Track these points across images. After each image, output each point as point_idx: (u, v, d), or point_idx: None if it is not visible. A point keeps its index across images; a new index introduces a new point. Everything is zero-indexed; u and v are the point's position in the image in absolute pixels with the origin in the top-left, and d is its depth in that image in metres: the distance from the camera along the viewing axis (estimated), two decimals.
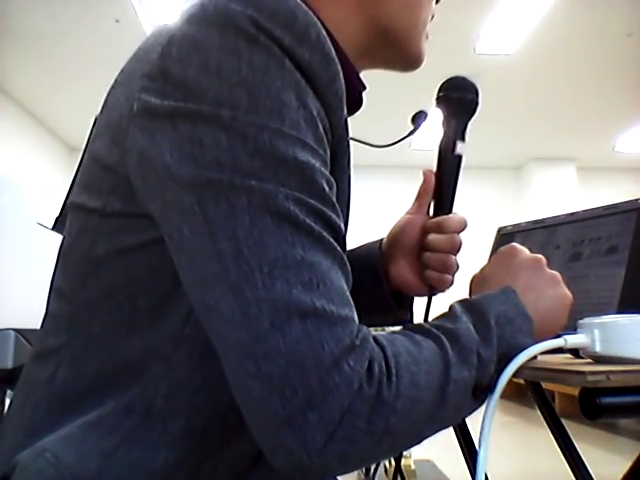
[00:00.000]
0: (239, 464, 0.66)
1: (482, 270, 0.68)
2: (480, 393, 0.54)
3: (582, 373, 0.51)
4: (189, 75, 0.50)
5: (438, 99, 0.78)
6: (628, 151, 7.99)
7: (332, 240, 0.51)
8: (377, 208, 8.42)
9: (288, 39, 0.51)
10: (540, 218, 1.06)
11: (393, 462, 2.48)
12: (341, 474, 0.53)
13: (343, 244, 0.53)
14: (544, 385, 1.23)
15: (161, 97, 0.51)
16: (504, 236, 1.12)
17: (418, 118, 0.80)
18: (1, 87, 6.62)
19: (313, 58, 0.52)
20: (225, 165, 0.48)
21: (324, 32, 0.54)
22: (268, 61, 0.50)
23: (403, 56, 0.74)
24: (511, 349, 0.55)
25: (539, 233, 1.04)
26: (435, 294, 0.76)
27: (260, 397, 0.47)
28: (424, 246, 0.76)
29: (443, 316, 0.56)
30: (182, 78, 0.51)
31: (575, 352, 0.63)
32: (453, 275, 0.75)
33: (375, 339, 0.50)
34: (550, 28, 4.76)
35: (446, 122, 0.78)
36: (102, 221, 0.57)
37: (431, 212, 0.77)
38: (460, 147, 0.76)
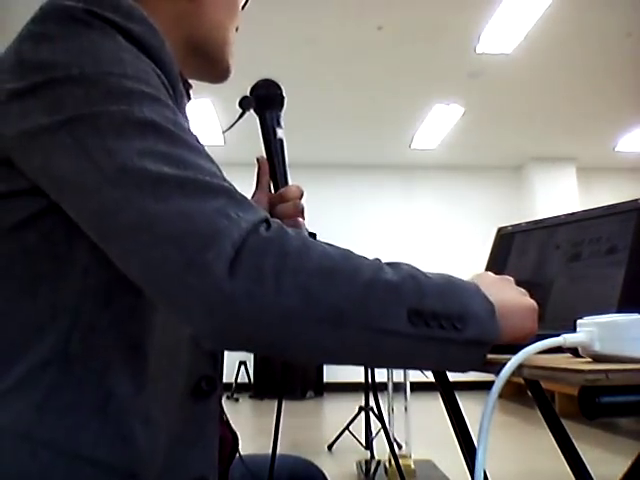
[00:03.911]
0: (169, 397, 0.68)
1: None
2: (416, 319, 0.54)
3: (581, 372, 0.51)
4: (41, 57, 0.59)
5: (253, 98, 0.91)
6: (628, 151, 7.99)
7: (193, 141, 0.59)
8: (375, 208, 8.41)
9: (118, 18, 0.61)
10: (540, 218, 1.06)
11: (393, 462, 2.47)
12: (259, 330, 0.53)
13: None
14: (544, 385, 1.23)
15: (22, 80, 0.59)
16: (504, 236, 1.12)
17: (245, 103, 0.91)
18: None
19: (142, 29, 0.63)
20: (84, 105, 0.56)
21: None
22: (104, 37, 0.60)
23: (214, 70, 0.84)
24: (466, 313, 0.56)
25: (539, 233, 1.04)
26: None
27: (161, 258, 0.52)
28: (274, 217, 0.85)
29: None
30: (36, 60, 0.59)
31: (574, 351, 0.63)
32: None
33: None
34: (550, 28, 4.76)
35: (263, 115, 0.91)
36: None
37: (272, 189, 0.91)
38: (280, 132, 0.91)
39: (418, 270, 0.58)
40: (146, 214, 0.53)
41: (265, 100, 0.91)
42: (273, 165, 0.90)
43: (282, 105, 0.92)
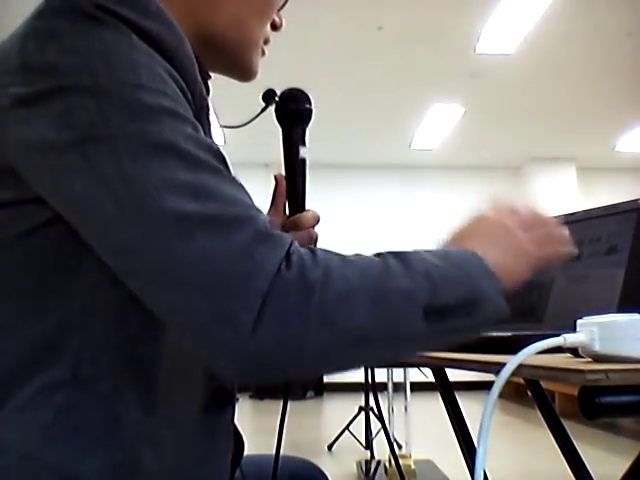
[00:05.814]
0: (182, 414, 0.66)
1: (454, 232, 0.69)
2: (433, 316, 0.55)
3: (581, 372, 0.51)
4: (48, 59, 0.54)
5: (277, 111, 0.84)
6: (628, 151, 7.98)
7: (216, 161, 0.55)
8: (375, 209, 8.41)
9: (133, 15, 0.56)
10: None
11: (393, 462, 2.48)
12: (291, 369, 0.54)
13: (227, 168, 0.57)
14: (544, 385, 1.23)
15: (28, 85, 0.54)
16: None
17: (269, 97, 0.85)
18: None
19: (159, 28, 0.58)
20: (98, 122, 0.52)
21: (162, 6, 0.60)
22: (117, 37, 0.55)
23: (235, 68, 0.79)
24: (476, 298, 0.57)
25: None
26: None
27: (184, 305, 0.51)
28: None
29: None
30: (42, 63, 0.54)
31: (574, 351, 0.63)
32: None
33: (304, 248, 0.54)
34: (550, 28, 4.76)
35: (287, 130, 0.84)
36: None
37: (287, 212, 0.85)
38: (303, 151, 0.84)
39: (426, 260, 0.58)
40: (168, 255, 0.50)
41: (294, 114, 0.84)
42: (291, 186, 0.84)
43: (310, 120, 0.85)
